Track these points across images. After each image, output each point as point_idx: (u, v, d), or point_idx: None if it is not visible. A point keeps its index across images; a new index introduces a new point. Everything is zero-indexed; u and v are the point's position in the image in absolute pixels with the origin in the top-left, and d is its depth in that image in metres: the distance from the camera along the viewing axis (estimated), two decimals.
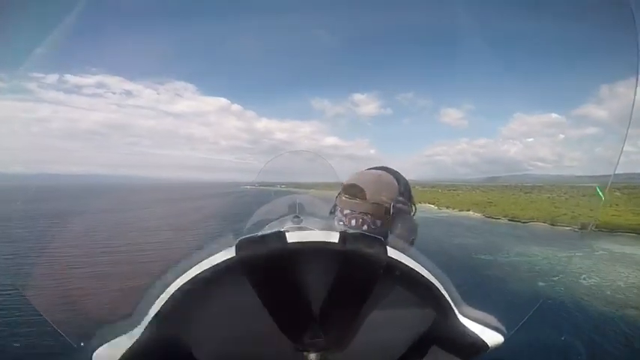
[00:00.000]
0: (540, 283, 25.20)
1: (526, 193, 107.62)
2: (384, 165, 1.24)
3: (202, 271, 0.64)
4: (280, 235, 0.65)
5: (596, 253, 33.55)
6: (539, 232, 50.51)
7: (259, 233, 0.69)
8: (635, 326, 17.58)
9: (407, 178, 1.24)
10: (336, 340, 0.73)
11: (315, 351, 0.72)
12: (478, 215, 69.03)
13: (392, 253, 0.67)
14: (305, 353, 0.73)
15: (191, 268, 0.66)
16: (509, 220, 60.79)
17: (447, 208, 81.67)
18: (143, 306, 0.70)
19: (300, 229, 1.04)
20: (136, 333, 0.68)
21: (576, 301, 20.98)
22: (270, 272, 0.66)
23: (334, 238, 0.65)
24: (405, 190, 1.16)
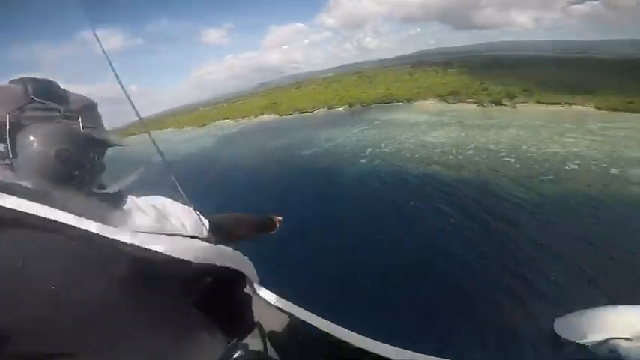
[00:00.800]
0: (362, 161, 25.66)
1: (296, 88, 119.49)
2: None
3: None
4: None
5: (374, 123, 38.74)
6: (324, 116, 54.86)
7: None
8: (450, 179, 19.16)
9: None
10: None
11: None
12: (273, 116, 68.41)
13: None
14: None
15: None
16: (299, 113, 63.34)
17: (243, 118, 76.67)
18: None
19: None
20: None
21: (396, 170, 21.84)
22: None
23: None
24: (44, 93, 0.78)
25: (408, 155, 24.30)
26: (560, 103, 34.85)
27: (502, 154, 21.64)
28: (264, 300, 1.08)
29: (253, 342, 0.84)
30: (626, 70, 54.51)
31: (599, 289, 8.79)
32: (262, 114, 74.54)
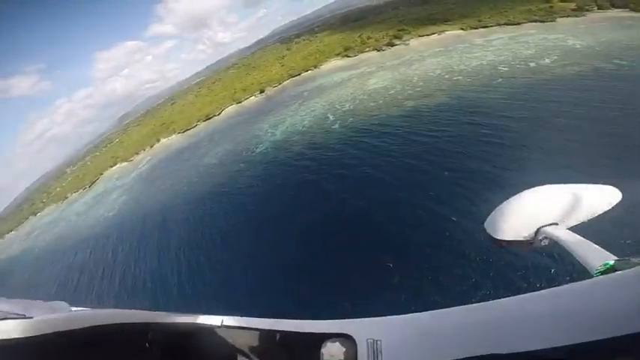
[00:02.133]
0: (334, 126, 25.09)
1: (172, 104, 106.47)
2: None
3: None
4: None
5: (304, 95, 38.21)
6: (239, 111, 50.45)
7: None
8: (432, 106, 20.84)
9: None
10: None
11: None
12: (175, 136, 59.39)
13: None
14: None
15: None
16: (204, 120, 56.78)
17: (137, 154, 63.78)
18: None
19: None
20: None
21: (377, 119, 22.35)
22: None
23: None
24: None
25: (372, 104, 25.10)
26: (436, 33, 41.24)
27: (446, 76, 24.72)
28: (212, 326, 1.08)
29: None
30: None
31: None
32: (159, 140, 63.82)
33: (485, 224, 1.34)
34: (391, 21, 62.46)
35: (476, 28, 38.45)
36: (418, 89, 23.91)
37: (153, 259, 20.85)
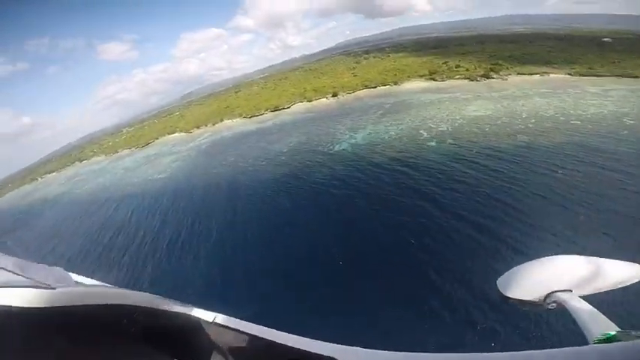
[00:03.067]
0: (431, 144, 25.63)
1: (236, 92, 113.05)
2: None
3: None
4: None
5: (386, 107, 39.36)
6: (309, 109, 52.24)
7: None
8: (549, 145, 20.76)
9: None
10: None
11: None
12: (239, 120, 63.27)
13: None
14: None
15: None
16: (271, 111, 60.04)
17: (197, 128, 69.00)
18: None
19: None
20: None
21: (488, 145, 22.63)
22: None
23: None
24: None
25: (475, 130, 25.33)
26: (538, 73, 40.85)
27: (562, 118, 24.46)
28: (203, 320, 1.12)
29: None
30: (549, 39, 66.93)
31: None
32: (222, 120, 68.24)
33: (498, 281, 1.46)
34: (479, 54, 62.67)
35: (585, 75, 37.62)
36: (531, 125, 23.90)
37: (210, 230, 19.81)
